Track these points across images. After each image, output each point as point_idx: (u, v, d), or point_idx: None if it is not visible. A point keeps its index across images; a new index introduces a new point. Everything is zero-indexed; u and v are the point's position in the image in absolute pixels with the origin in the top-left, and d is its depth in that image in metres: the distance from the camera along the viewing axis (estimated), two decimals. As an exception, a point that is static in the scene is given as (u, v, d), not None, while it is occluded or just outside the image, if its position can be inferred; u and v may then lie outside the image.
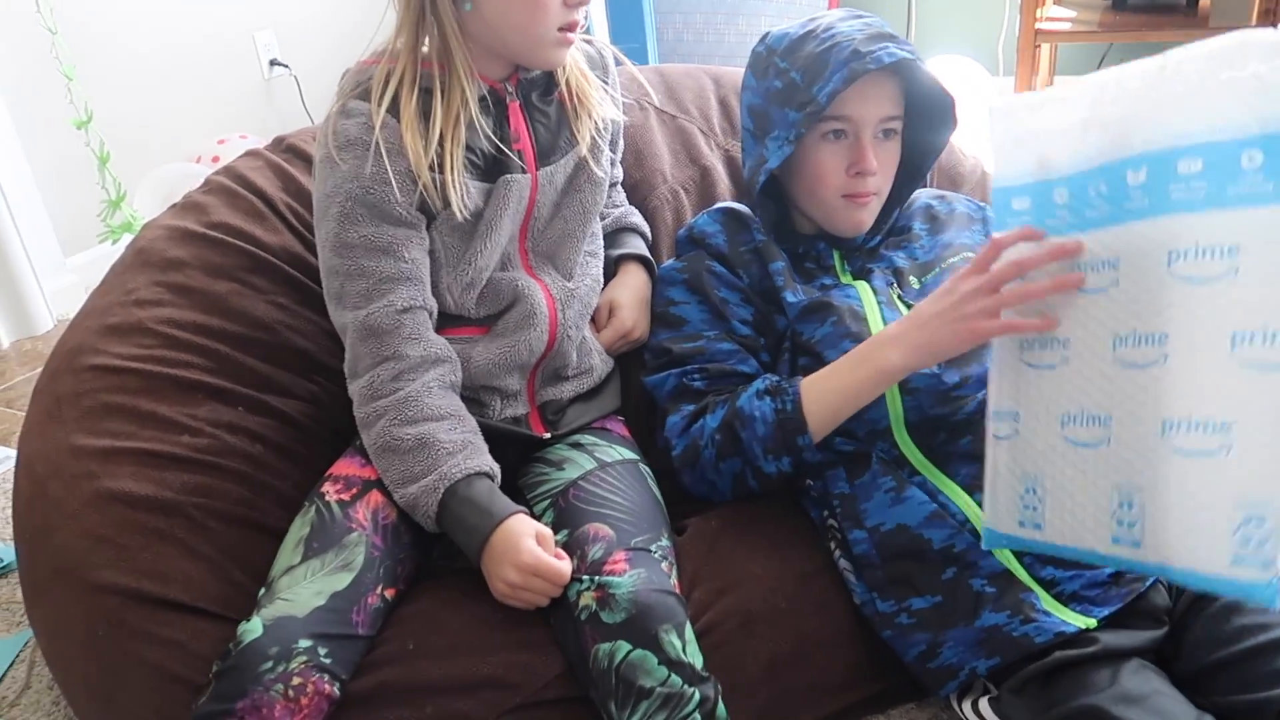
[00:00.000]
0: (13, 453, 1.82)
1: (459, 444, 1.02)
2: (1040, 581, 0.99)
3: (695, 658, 0.93)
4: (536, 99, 1.13)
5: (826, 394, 1.05)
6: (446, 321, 1.12)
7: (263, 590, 0.97)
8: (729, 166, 1.46)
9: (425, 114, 1.04)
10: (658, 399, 1.18)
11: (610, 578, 0.95)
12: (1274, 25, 2.52)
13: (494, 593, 1.00)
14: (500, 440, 1.10)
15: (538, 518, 1.05)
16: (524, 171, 1.11)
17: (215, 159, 2.54)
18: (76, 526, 1.05)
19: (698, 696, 0.90)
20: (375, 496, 1.04)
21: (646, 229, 1.34)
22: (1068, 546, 0.91)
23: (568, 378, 1.19)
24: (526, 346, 1.12)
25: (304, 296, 1.26)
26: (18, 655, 1.32)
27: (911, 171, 1.20)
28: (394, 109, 1.03)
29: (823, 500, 1.12)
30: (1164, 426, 0.82)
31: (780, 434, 1.05)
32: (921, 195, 1.28)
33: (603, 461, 1.12)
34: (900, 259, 1.20)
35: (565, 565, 0.97)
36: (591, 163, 1.15)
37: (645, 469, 1.15)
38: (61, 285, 2.39)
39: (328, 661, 0.91)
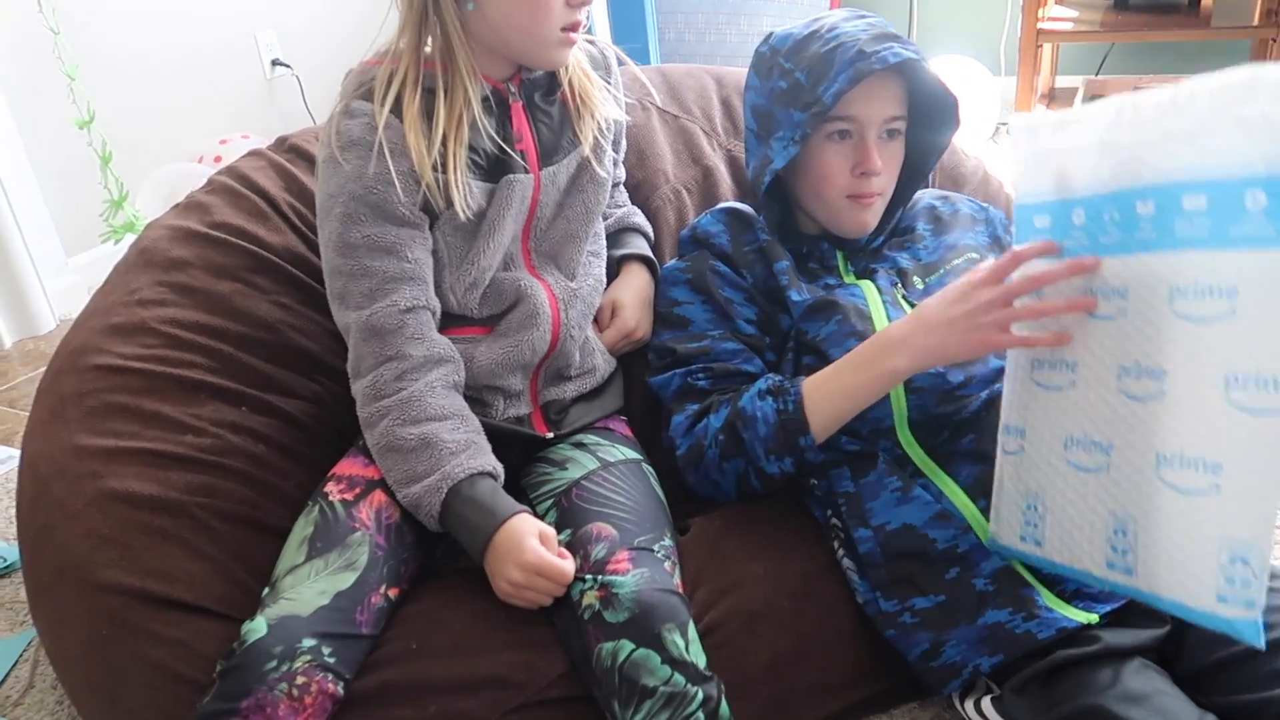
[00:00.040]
0: (16, 452, 1.82)
1: (462, 444, 1.02)
2: (1042, 579, 0.99)
3: (698, 657, 0.93)
4: (539, 99, 1.13)
5: (830, 395, 1.05)
6: (449, 321, 1.12)
7: (266, 590, 0.97)
8: (731, 166, 1.46)
9: (428, 114, 1.04)
10: (663, 399, 1.18)
11: (613, 577, 0.95)
12: (1277, 25, 2.52)
13: (497, 592, 1.00)
14: (503, 440, 1.10)
15: (541, 517, 1.05)
16: (527, 171, 1.11)
17: (217, 159, 2.54)
18: (80, 526, 1.06)
19: (701, 696, 0.90)
20: (378, 496, 1.04)
21: (649, 229, 1.34)
22: (1065, 565, 0.93)
23: (570, 377, 1.19)
24: (529, 346, 1.12)
25: (307, 296, 1.26)
26: (21, 654, 1.33)
27: (914, 172, 1.20)
28: (397, 109, 1.03)
29: (827, 499, 1.12)
30: (1158, 460, 0.83)
31: (782, 434, 1.05)
32: (925, 196, 1.28)
33: (605, 461, 1.12)
34: (904, 260, 1.20)
35: (568, 565, 0.97)
36: (594, 163, 1.16)
37: (648, 469, 1.15)
38: (64, 285, 2.40)
39: (332, 661, 0.91)
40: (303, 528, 1.02)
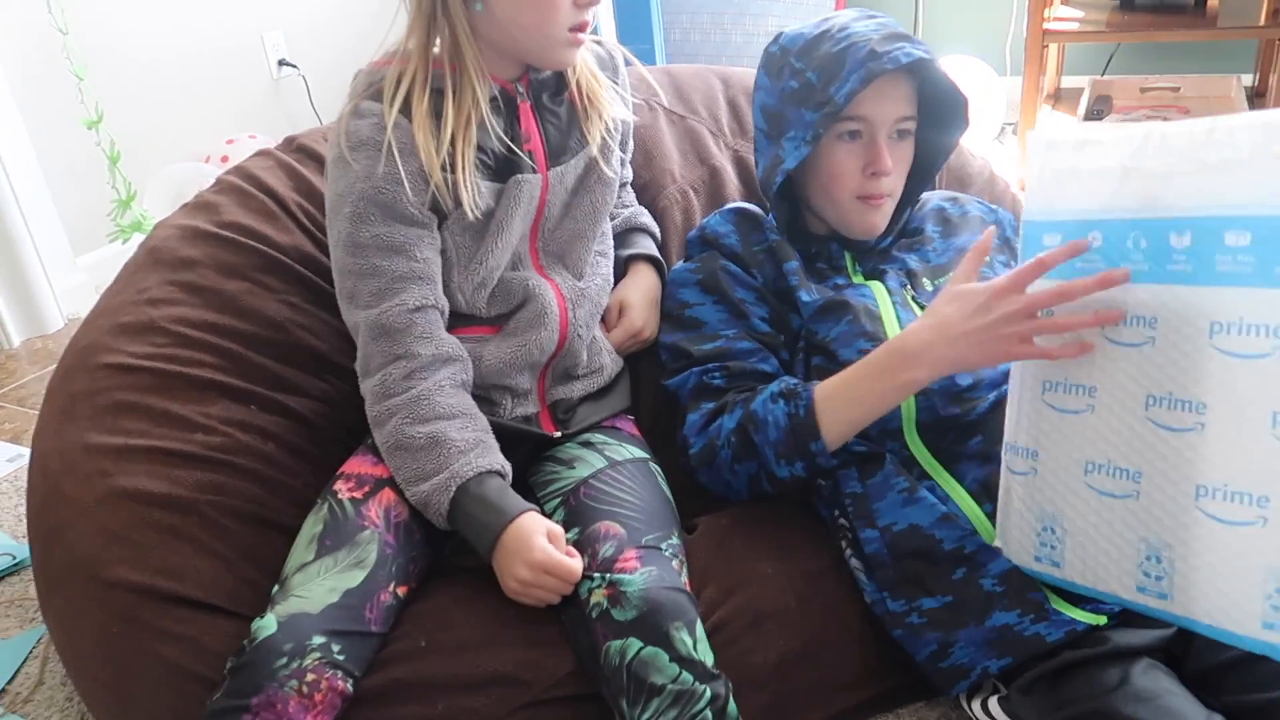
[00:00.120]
0: (26, 450, 1.83)
1: (470, 442, 1.02)
2: (1046, 582, 0.99)
3: (706, 655, 0.93)
4: (547, 99, 1.13)
5: (844, 403, 1.03)
6: (458, 321, 1.12)
7: (276, 587, 0.98)
8: (738, 167, 1.46)
9: (437, 114, 1.05)
10: (680, 398, 1.17)
11: (621, 575, 0.95)
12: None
13: (505, 590, 1.00)
14: (511, 439, 1.10)
15: (548, 516, 1.05)
16: (535, 171, 1.11)
17: (224, 159, 2.55)
18: (90, 524, 1.06)
19: (709, 694, 0.91)
20: (387, 494, 1.04)
21: (656, 229, 1.34)
22: (1089, 587, 0.93)
23: (578, 377, 1.19)
24: (537, 346, 1.12)
25: (315, 296, 1.26)
26: (31, 651, 1.33)
27: (921, 172, 1.20)
28: (406, 109, 1.04)
29: (834, 499, 1.12)
30: (1197, 491, 0.84)
31: (792, 439, 1.04)
32: (934, 197, 1.28)
33: (613, 460, 1.12)
34: (913, 261, 1.20)
35: (576, 563, 0.98)
36: (602, 163, 1.16)
37: (655, 468, 1.16)
38: (71, 284, 2.40)
39: (341, 658, 0.91)
40: (312, 526, 1.02)
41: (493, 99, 1.08)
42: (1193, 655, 0.95)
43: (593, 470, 1.10)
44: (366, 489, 1.05)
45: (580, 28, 1.04)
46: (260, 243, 1.27)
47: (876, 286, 1.17)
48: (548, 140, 1.13)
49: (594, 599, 0.95)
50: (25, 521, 1.20)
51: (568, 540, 1.01)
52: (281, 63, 2.90)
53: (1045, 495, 0.94)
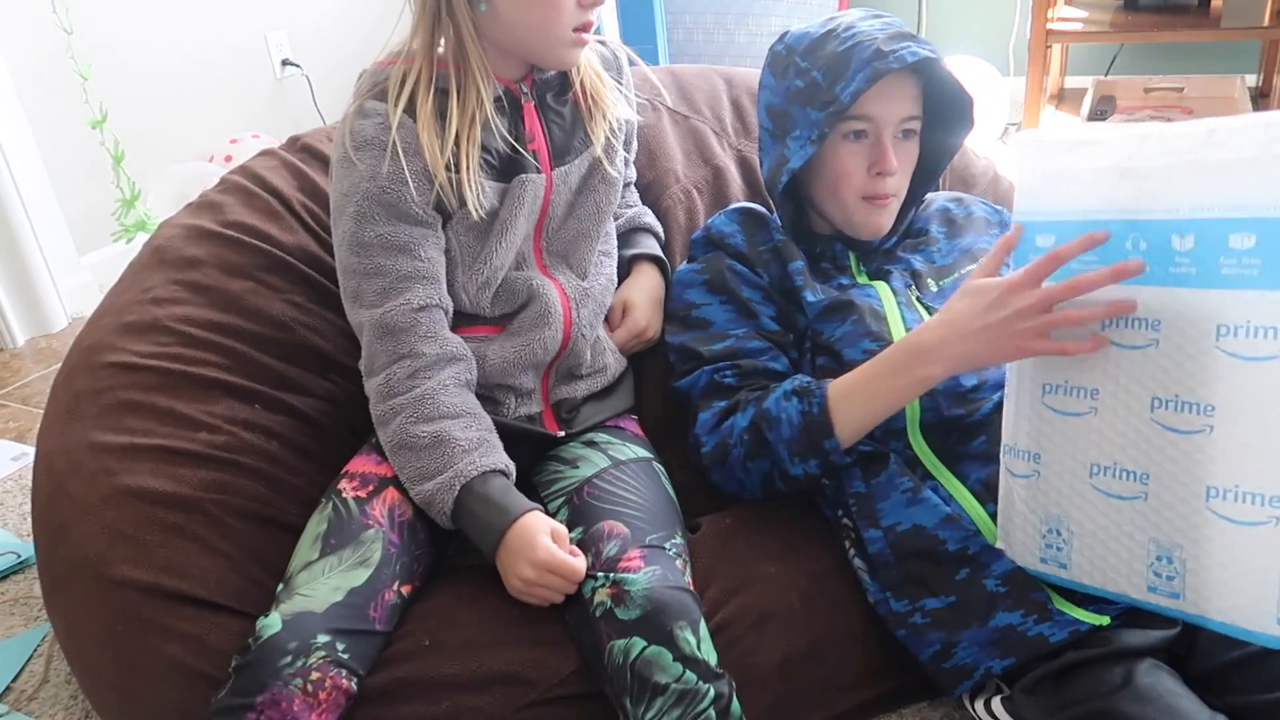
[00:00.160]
0: (30, 449, 1.83)
1: (474, 441, 1.03)
2: (1051, 582, 0.99)
3: (710, 654, 0.93)
4: (551, 99, 1.13)
5: (858, 400, 1.03)
6: (462, 320, 1.12)
7: (281, 586, 0.98)
8: (741, 166, 1.46)
9: (441, 114, 1.05)
10: (690, 398, 1.16)
11: (625, 574, 0.95)
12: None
13: (509, 589, 1.01)
14: (515, 438, 1.11)
15: (552, 515, 1.06)
16: (539, 171, 1.11)
17: (228, 158, 2.56)
18: (95, 522, 1.06)
19: (712, 693, 0.91)
20: (391, 493, 1.04)
21: (660, 229, 1.34)
22: (1097, 587, 0.93)
23: (581, 376, 1.19)
24: (541, 345, 1.13)
25: (320, 295, 1.26)
26: (36, 649, 1.33)
27: (926, 172, 1.20)
28: (410, 109, 1.04)
29: (838, 499, 1.12)
30: (1208, 492, 0.84)
31: (806, 437, 1.04)
32: (938, 198, 1.28)
33: (616, 459, 1.12)
34: (917, 261, 1.20)
35: (580, 562, 0.98)
36: (605, 163, 1.16)
37: (659, 467, 1.16)
38: (76, 284, 2.41)
39: (345, 657, 0.91)
40: (316, 524, 1.03)
41: (497, 99, 1.08)
42: (1196, 656, 0.95)
43: (596, 470, 1.11)
44: (371, 488, 1.05)
45: (584, 28, 1.05)
46: (264, 242, 1.27)
47: (881, 287, 1.17)
48: (552, 140, 1.13)
49: (598, 598, 0.95)
50: (30, 520, 1.20)
51: (571, 540, 1.01)
52: (285, 62, 2.91)
53: (1049, 497, 0.94)
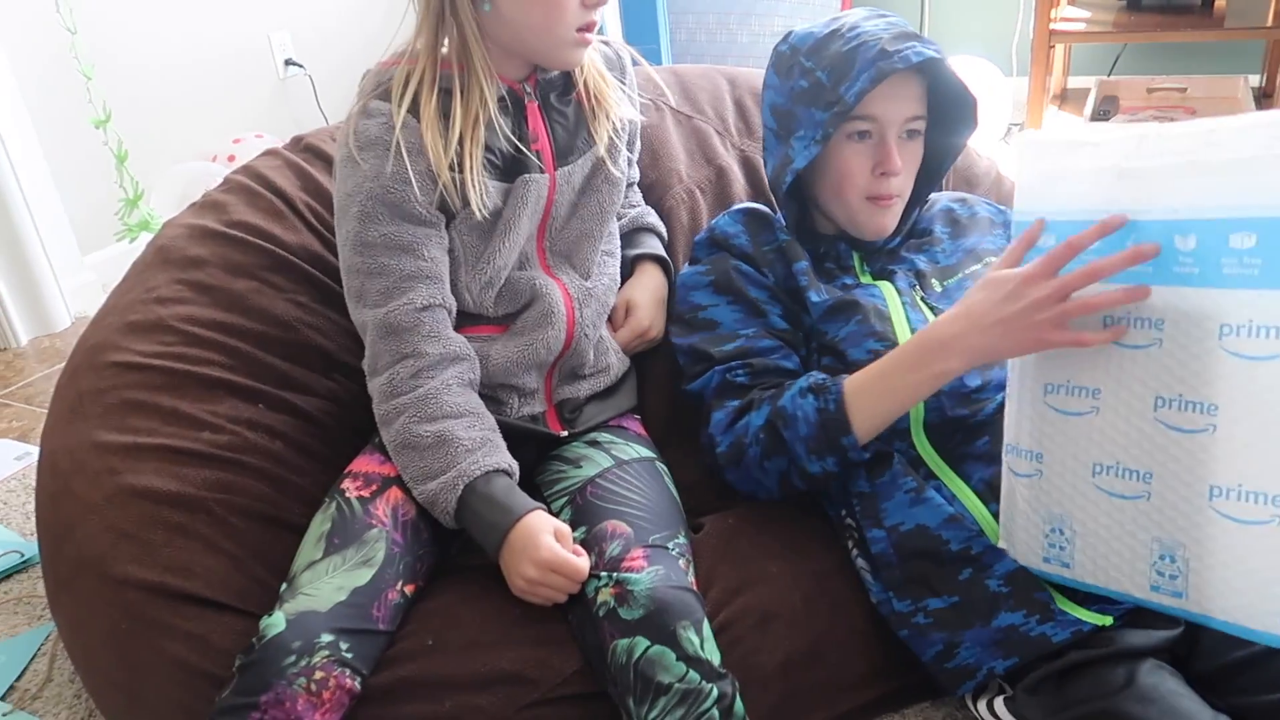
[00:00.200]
0: (34, 449, 1.83)
1: (478, 441, 1.03)
2: (1054, 582, 0.99)
3: (713, 654, 0.93)
4: (555, 99, 1.13)
5: (875, 396, 1.02)
6: (465, 320, 1.12)
7: (284, 585, 0.98)
8: (745, 167, 1.46)
9: (445, 114, 1.05)
10: (703, 399, 1.15)
11: (628, 574, 0.96)
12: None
13: (512, 589, 1.01)
14: (518, 438, 1.11)
15: (555, 515, 1.06)
16: (542, 171, 1.11)
17: (231, 158, 2.56)
18: (99, 522, 1.07)
19: (715, 693, 0.91)
20: (395, 493, 1.05)
21: (663, 229, 1.34)
22: (1100, 586, 0.93)
23: (585, 376, 1.19)
24: (544, 345, 1.13)
25: (323, 295, 1.27)
26: (39, 648, 1.34)
27: (929, 173, 1.20)
28: (414, 109, 1.04)
29: (841, 498, 1.12)
30: (1211, 491, 0.84)
31: (823, 434, 1.03)
32: (942, 198, 1.28)
33: (620, 459, 1.12)
34: (921, 262, 1.20)
35: (583, 561, 0.98)
36: (609, 163, 1.16)
37: (662, 467, 1.16)
38: (79, 283, 2.41)
39: (349, 656, 0.92)
40: (320, 524, 1.03)
41: (500, 99, 1.08)
42: (1199, 656, 0.95)
43: (599, 469, 1.11)
44: (374, 487, 1.05)
45: (588, 28, 1.05)
46: (268, 242, 1.27)
47: (885, 287, 1.17)
48: (555, 140, 1.13)
49: (601, 598, 0.95)
50: (34, 519, 1.20)
51: (574, 539, 1.02)
52: (288, 62, 2.91)
53: (1052, 497, 0.94)
